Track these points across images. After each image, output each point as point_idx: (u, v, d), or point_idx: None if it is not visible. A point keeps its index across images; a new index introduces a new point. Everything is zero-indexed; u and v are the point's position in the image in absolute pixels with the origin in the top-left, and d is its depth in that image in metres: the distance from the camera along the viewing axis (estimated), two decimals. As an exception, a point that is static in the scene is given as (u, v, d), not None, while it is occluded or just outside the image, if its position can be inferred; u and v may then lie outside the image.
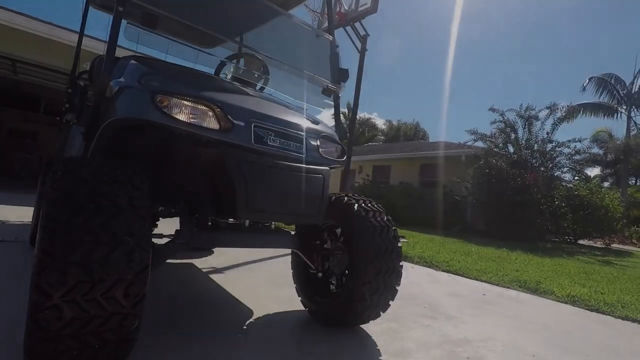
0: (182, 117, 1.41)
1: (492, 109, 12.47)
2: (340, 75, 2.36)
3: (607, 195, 11.64)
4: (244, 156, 1.50)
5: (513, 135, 12.39)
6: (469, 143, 12.94)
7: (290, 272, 2.31)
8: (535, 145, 12.09)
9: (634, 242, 14.72)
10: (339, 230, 2.08)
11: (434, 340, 2.04)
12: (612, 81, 18.71)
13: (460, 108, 59.74)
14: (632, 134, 18.85)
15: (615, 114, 18.96)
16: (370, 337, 1.99)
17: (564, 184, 12.31)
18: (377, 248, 1.82)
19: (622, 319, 3.07)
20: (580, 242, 12.01)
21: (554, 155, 11.99)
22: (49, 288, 1.02)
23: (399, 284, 1.93)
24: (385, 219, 1.96)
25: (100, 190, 1.17)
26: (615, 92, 18.59)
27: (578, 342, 2.29)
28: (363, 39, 6.28)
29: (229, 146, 1.49)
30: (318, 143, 1.82)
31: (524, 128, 12.26)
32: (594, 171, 23.31)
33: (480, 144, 12.82)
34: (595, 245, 11.90)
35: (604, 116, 19.11)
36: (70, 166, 1.23)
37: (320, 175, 1.73)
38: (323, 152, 1.83)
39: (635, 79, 18.35)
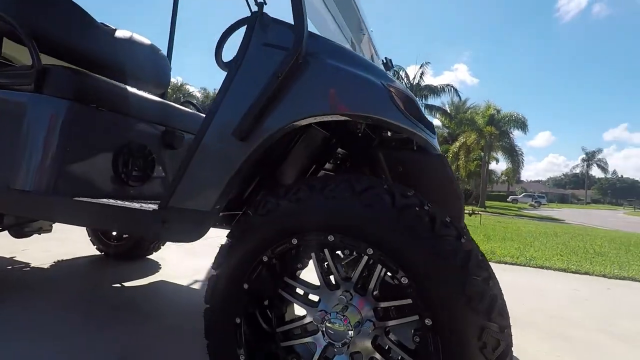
0: (414, 115, 1.14)
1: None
2: (386, 64, 2.26)
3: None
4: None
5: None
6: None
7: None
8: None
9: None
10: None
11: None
12: (403, 74, 23.63)
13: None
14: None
15: (403, 101, 24.14)
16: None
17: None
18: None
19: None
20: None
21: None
22: None
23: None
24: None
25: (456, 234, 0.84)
26: (403, 83, 23.60)
27: (572, 294, 3.10)
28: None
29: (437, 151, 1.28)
30: None
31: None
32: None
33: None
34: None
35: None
36: (406, 196, 0.83)
37: None
38: None
39: (416, 74, 23.81)
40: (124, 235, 2.88)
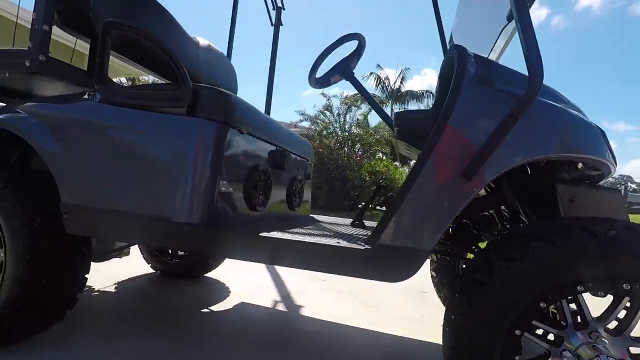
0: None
1: (323, 94, 13.85)
2: None
3: (398, 171, 15.25)
4: None
5: (338, 119, 14.25)
6: (297, 122, 14.20)
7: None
8: (353, 128, 14.36)
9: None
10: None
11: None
12: (383, 76, 24.05)
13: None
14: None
15: (384, 105, 24.54)
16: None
17: (368, 161, 15.23)
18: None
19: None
20: (378, 208, 15.29)
21: (364, 137, 14.59)
22: None
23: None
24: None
25: None
26: (385, 87, 23.99)
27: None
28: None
29: None
30: None
31: (345, 113, 14.30)
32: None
33: (306, 124, 14.20)
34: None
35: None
36: None
37: None
38: None
39: (397, 80, 24.27)
40: (180, 252, 2.75)
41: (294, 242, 1.15)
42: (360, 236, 1.38)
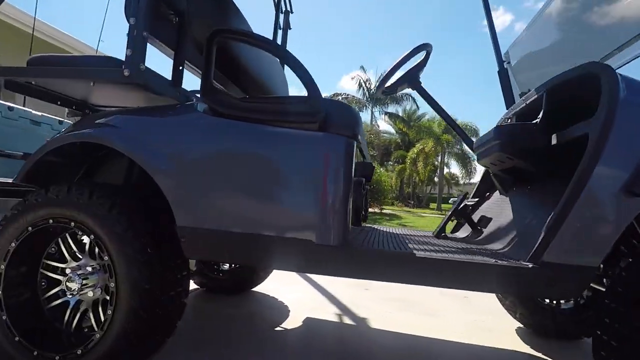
0: None
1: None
2: None
3: (383, 174, 15.46)
4: None
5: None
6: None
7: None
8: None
9: (382, 207, 20.41)
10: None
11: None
12: (367, 82, 24.32)
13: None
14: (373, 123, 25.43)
15: (365, 108, 24.86)
16: None
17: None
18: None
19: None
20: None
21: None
22: None
23: None
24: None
25: None
26: (367, 90, 24.28)
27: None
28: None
29: None
30: None
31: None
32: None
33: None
34: (375, 211, 15.60)
35: (359, 108, 24.71)
36: None
37: None
38: None
39: (377, 82, 24.60)
40: (224, 267, 2.64)
41: (455, 263, 1.13)
42: (487, 251, 1.37)
